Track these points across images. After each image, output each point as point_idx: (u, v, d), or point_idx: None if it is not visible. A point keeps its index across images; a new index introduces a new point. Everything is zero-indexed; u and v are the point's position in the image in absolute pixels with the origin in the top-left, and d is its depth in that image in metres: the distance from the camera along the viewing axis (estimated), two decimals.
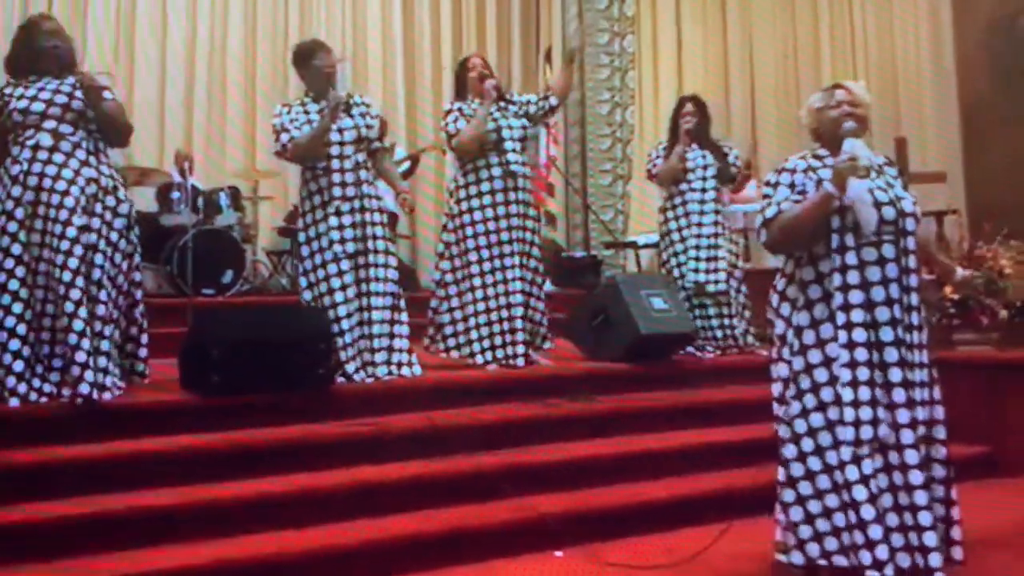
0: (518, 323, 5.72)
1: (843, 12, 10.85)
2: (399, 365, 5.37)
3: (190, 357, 4.74)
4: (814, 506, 3.35)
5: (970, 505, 4.64)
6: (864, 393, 3.27)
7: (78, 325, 4.30)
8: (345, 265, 5.29)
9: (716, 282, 6.56)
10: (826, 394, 3.34)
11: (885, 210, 3.39)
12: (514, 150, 5.84)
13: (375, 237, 5.39)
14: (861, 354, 3.29)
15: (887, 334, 3.33)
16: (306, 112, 5.43)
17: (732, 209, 7.19)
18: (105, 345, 4.47)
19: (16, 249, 4.41)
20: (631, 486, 4.54)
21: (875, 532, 3.20)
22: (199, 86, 10.14)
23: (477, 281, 5.75)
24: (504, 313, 5.72)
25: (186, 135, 9.97)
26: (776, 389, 3.58)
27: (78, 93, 4.61)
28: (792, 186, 3.48)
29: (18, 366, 4.34)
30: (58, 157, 4.50)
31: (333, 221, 5.30)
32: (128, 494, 3.83)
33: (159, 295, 7.81)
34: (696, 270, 6.57)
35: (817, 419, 3.35)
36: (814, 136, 3.68)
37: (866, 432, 3.25)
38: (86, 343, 4.29)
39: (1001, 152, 7.53)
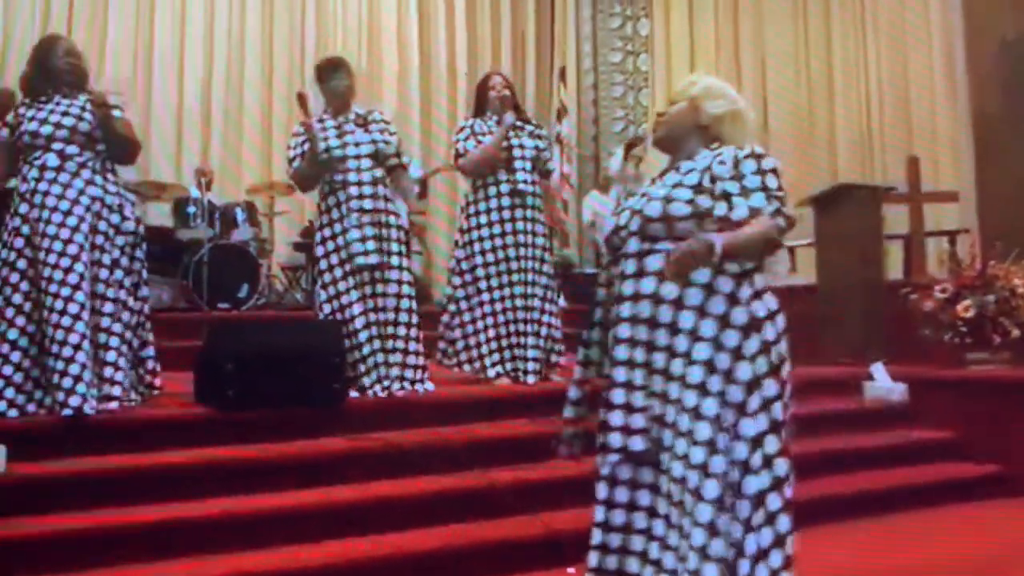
0: (527, 339, 5.75)
1: (856, 33, 10.88)
2: (412, 382, 5.41)
3: (205, 371, 4.77)
4: None
5: (980, 525, 4.66)
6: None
7: (74, 339, 4.36)
8: (363, 279, 5.34)
9: None
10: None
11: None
12: (524, 169, 5.86)
13: (391, 253, 5.43)
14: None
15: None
16: (323, 128, 5.47)
17: None
18: (111, 357, 4.54)
19: (21, 264, 4.51)
20: None
21: None
22: (216, 102, 10.21)
23: (485, 296, 5.78)
24: (512, 328, 5.76)
25: (203, 150, 10.04)
26: None
27: (87, 114, 4.69)
28: None
29: (18, 378, 4.43)
30: (63, 177, 4.59)
31: (352, 235, 5.32)
32: (142, 508, 3.84)
33: (174, 309, 7.85)
34: None
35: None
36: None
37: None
38: (81, 357, 4.35)
39: (1014, 172, 7.51)
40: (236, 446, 4.34)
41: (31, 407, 4.44)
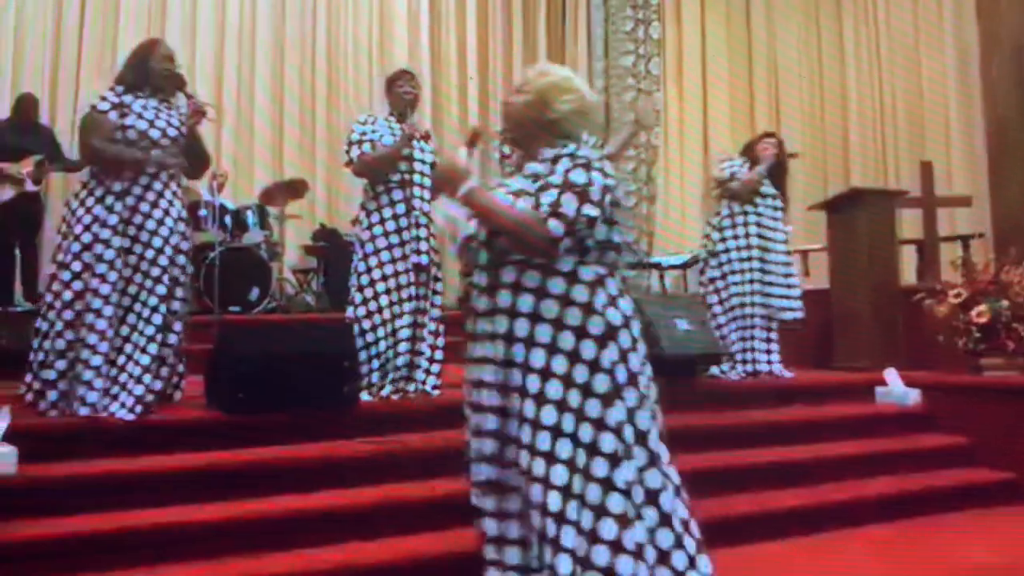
0: None
1: (869, 38, 10.86)
2: (434, 388, 5.49)
3: (216, 374, 4.77)
4: None
5: (995, 532, 4.63)
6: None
7: (153, 348, 4.49)
8: (416, 278, 5.43)
9: (792, 309, 6.58)
10: None
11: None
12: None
13: (432, 260, 5.52)
14: None
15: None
16: (391, 128, 5.55)
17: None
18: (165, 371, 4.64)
19: (112, 258, 4.51)
20: None
21: None
22: (228, 107, 10.21)
23: None
24: None
25: (215, 152, 10.03)
26: None
27: (181, 127, 4.80)
28: None
29: (99, 382, 4.43)
30: (157, 184, 4.66)
31: (415, 233, 5.43)
32: (153, 511, 3.84)
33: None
34: (770, 295, 6.57)
35: None
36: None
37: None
38: (154, 366, 4.47)
39: None
40: (246, 449, 4.33)
41: (107, 409, 4.44)
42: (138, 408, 4.40)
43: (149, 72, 4.81)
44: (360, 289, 5.42)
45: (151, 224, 4.58)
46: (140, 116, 4.68)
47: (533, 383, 2.77)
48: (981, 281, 6.18)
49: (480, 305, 2.86)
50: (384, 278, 5.38)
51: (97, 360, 4.43)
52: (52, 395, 4.48)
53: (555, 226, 2.74)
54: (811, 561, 4.29)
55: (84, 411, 4.40)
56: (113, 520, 3.73)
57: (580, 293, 2.79)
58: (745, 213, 6.65)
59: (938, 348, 6.33)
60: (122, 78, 4.85)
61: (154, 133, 4.67)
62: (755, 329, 6.53)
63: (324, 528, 3.93)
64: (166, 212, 4.64)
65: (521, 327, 2.78)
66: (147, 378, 4.43)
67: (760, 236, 6.61)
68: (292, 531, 3.88)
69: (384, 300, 5.37)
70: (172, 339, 4.65)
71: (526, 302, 2.78)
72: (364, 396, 5.10)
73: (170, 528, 3.75)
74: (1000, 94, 8.00)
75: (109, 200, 4.57)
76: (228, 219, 8.47)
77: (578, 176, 2.79)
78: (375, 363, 5.33)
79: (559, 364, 2.76)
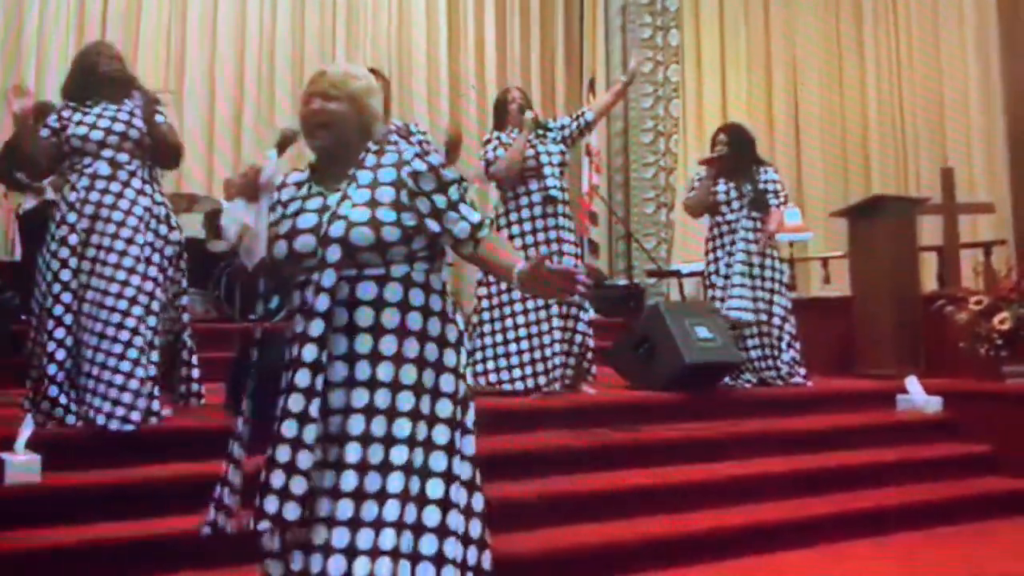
0: (556, 348, 5.76)
1: (889, 43, 10.82)
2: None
3: (236, 381, 4.78)
4: None
5: (1020, 540, 4.61)
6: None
7: (132, 354, 4.34)
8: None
9: (746, 310, 6.48)
10: None
11: (299, 240, 2.62)
12: (553, 175, 5.94)
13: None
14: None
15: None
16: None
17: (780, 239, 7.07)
18: (152, 372, 4.49)
19: (65, 275, 4.42)
20: (674, 516, 4.51)
21: None
22: (247, 114, 10.27)
23: (518, 307, 5.78)
24: (545, 339, 5.75)
25: (234, 162, 10.10)
26: None
27: (136, 121, 4.65)
28: None
29: (52, 391, 4.34)
30: (115, 186, 4.53)
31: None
32: (173, 518, 3.84)
33: (206, 320, 7.88)
34: (725, 299, 6.52)
35: None
36: None
37: None
38: (140, 372, 4.34)
39: None
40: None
41: (70, 419, 4.35)
42: (134, 416, 4.29)
43: (95, 78, 4.72)
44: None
45: (111, 228, 4.46)
46: (80, 123, 4.58)
47: (383, 400, 2.55)
48: (1003, 288, 6.16)
49: (313, 330, 2.57)
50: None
51: (52, 369, 4.34)
52: (45, 405, 4.37)
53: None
54: (835, 569, 4.27)
55: (70, 419, 4.32)
56: (138, 527, 3.74)
57: (436, 303, 2.67)
58: (716, 224, 6.69)
59: (960, 355, 6.30)
60: (66, 90, 4.78)
61: (96, 135, 4.55)
62: (772, 337, 6.49)
63: None
64: (127, 212, 4.50)
65: (387, 344, 2.58)
66: (132, 384, 4.31)
67: (731, 244, 6.57)
68: None
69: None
70: (158, 341, 4.50)
71: (393, 318, 2.60)
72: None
73: (193, 535, 3.75)
74: (1022, 98, 7.97)
75: (65, 211, 4.49)
76: None
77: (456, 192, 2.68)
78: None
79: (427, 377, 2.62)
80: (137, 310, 4.40)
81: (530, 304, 5.76)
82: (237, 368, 4.84)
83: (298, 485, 2.51)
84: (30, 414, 4.16)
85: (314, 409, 2.53)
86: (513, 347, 5.80)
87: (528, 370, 5.75)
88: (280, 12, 10.59)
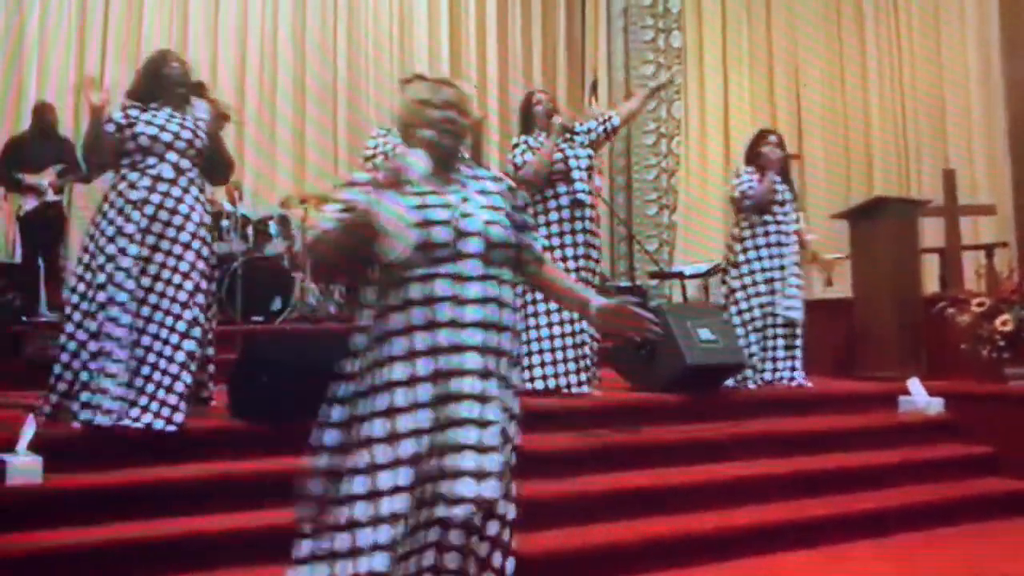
0: (584, 351, 5.80)
1: (890, 43, 10.81)
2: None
3: (239, 384, 4.79)
4: None
5: (1021, 542, 4.60)
6: None
7: (180, 357, 4.42)
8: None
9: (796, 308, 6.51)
10: None
11: (435, 230, 2.60)
12: (581, 179, 5.95)
13: None
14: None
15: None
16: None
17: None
18: (192, 377, 4.57)
19: (128, 266, 4.46)
20: (675, 517, 4.52)
21: None
22: (249, 115, 10.27)
23: (541, 308, 5.79)
24: (570, 340, 5.78)
25: (237, 161, 10.08)
26: None
27: (200, 132, 4.73)
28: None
29: (118, 390, 4.36)
30: (176, 191, 4.59)
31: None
32: (175, 519, 3.86)
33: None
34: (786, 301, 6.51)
35: None
36: (402, 131, 2.88)
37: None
38: (186, 376, 4.41)
39: None
40: (270, 459, 4.34)
41: (128, 420, 4.35)
42: (177, 417, 4.35)
43: (162, 81, 4.76)
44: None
45: (171, 232, 4.53)
46: (149, 123, 4.62)
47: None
48: (1005, 290, 6.16)
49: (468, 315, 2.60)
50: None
51: (114, 367, 4.37)
52: (74, 406, 4.42)
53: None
54: (837, 570, 4.28)
55: (103, 420, 4.31)
56: (137, 529, 3.75)
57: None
58: (764, 223, 6.60)
59: (961, 357, 6.30)
60: (133, 90, 4.82)
61: (165, 136, 4.60)
62: (777, 339, 6.49)
63: None
64: (187, 217, 4.57)
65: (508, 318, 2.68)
66: (179, 386, 4.39)
67: (779, 244, 6.57)
68: None
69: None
70: (191, 346, 4.53)
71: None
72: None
73: (195, 537, 3.77)
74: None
75: (128, 209, 4.52)
76: (250, 229, 8.50)
77: None
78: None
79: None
80: (189, 313, 4.47)
81: (541, 308, 5.78)
82: (238, 371, 4.86)
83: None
84: (32, 415, 4.16)
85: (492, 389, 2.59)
86: (535, 346, 5.81)
87: (551, 370, 5.79)
88: (281, 15, 10.60)
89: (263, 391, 4.57)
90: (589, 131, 6.14)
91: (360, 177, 2.74)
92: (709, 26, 12.06)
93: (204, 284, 4.66)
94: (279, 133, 10.37)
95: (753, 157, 6.74)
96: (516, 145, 6.11)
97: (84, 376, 4.43)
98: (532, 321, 5.81)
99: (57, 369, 4.50)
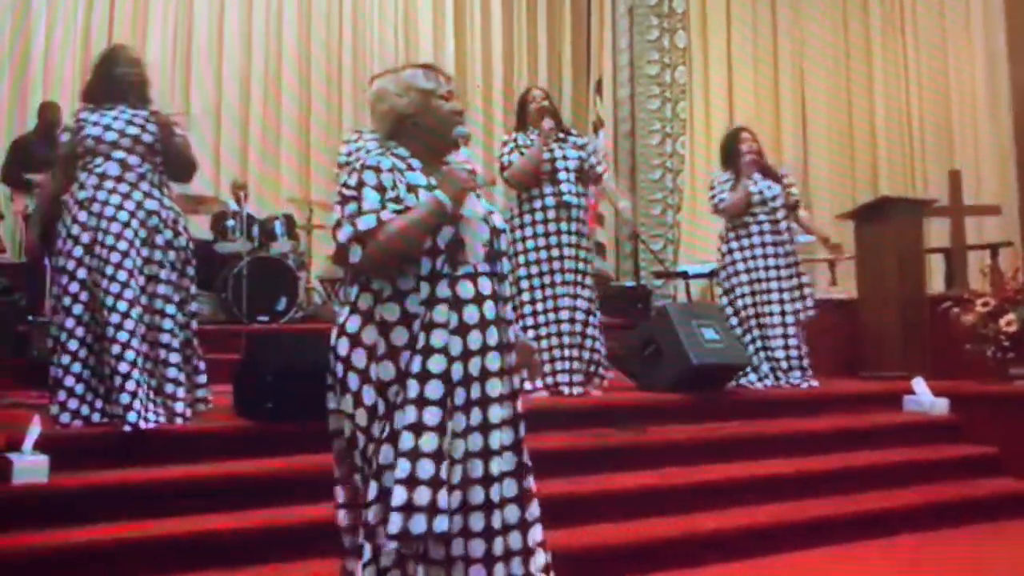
0: (568, 351, 5.75)
1: (896, 44, 10.81)
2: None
3: (244, 384, 4.79)
4: None
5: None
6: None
7: (130, 355, 4.39)
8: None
9: (806, 308, 6.52)
10: None
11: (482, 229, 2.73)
12: (568, 180, 5.90)
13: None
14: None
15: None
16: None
17: (802, 239, 7.02)
18: (171, 373, 4.59)
19: (81, 273, 4.51)
20: (680, 517, 4.52)
21: None
22: (254, 115, 10.30)
23: (528, 309, 5.79)
24: (555, 341, 5.76)
25: (241, 163, 10.12)
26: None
27: (150, 126, 4.72)
28: (382, 188, 2.67)
29: (79, 388, 4.45)
30: (123, 187, 4.59)
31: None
32: (180, 519, 3.86)
33: (213, 322, 7.89)
34: (782, 302, 6.51)
35: None
36: (393, 123, 2.85)
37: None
38: (136, 374, 4.38)
39: None
40: (274, 458, 4.35)
41: (95, 417, 4.47)
42: (131, 416, 4.31)
43: (115, 80, 4.78)
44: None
45: (114, 226, 4.52)
46: (96, 124, 4.65)
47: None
48: (1010, 290, 6.15)
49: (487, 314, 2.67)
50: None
51: (77, 366, 4.46)
52: (72, 403, 4.46)
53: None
54: (842, 570, 4.28)
55: (66, 418, 4.41)
56: (144, 528, 3.76)
57: None
58: (746, 224, 6.60)
59: (966, 357, 6.29)
60: (86, 92, 4.87)
61: (109, 136, 4.61)
62: (776, 339, 6.48)
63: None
64: (132, 214, 4.56)
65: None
66: (130, 384, 4.35)
67: (763, 244, 6.54)
68: (327, 538, 3.89)
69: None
70: (165, 339, 4.58)
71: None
72: None
73: (198, 537, 3.77)
74: None
75: (75, 210, 4.57)
76: (255, 229, 8.51)
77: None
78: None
79: None
80: (135, 313, 4.46)
81: (540, 306, 5.78)
82: (244, 370, 4.86)
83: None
84: (38, 415, 4.17)
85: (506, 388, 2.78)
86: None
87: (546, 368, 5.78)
88: (286, 18, 10.62)
89: (268, 391, 4.57)
90: (582, 147, 6.09)
91: (384, 163, 2.70)
92: (714, 26, 12.05)
93: (170, 276, 4.67)
94: (284, 133, 10.39)
95: (728, 160, 6.77)
96: (505, 143, 6.11)
97: (57, 374, 4.50)
98: (529, 321, 5.81)
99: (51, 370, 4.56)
